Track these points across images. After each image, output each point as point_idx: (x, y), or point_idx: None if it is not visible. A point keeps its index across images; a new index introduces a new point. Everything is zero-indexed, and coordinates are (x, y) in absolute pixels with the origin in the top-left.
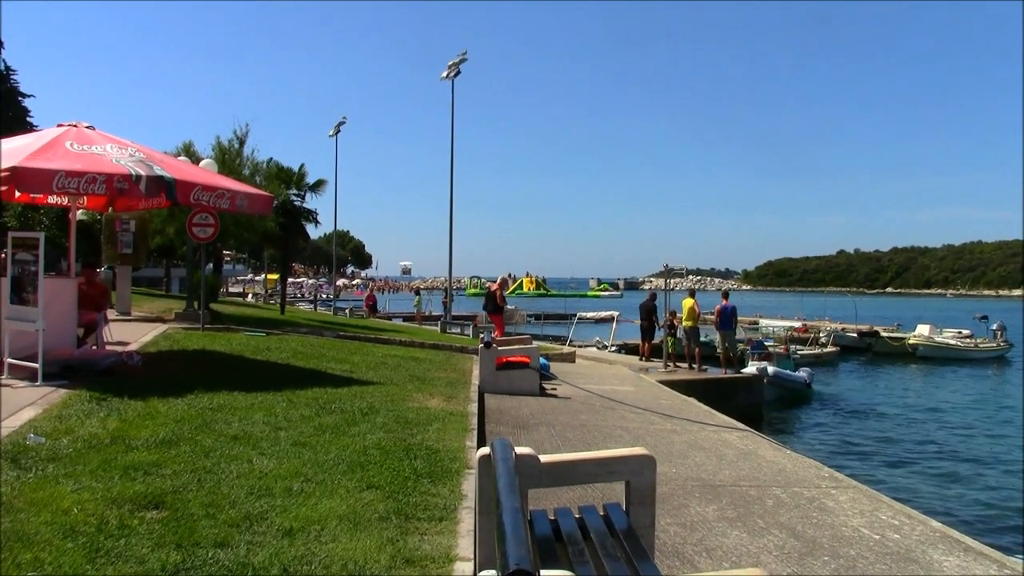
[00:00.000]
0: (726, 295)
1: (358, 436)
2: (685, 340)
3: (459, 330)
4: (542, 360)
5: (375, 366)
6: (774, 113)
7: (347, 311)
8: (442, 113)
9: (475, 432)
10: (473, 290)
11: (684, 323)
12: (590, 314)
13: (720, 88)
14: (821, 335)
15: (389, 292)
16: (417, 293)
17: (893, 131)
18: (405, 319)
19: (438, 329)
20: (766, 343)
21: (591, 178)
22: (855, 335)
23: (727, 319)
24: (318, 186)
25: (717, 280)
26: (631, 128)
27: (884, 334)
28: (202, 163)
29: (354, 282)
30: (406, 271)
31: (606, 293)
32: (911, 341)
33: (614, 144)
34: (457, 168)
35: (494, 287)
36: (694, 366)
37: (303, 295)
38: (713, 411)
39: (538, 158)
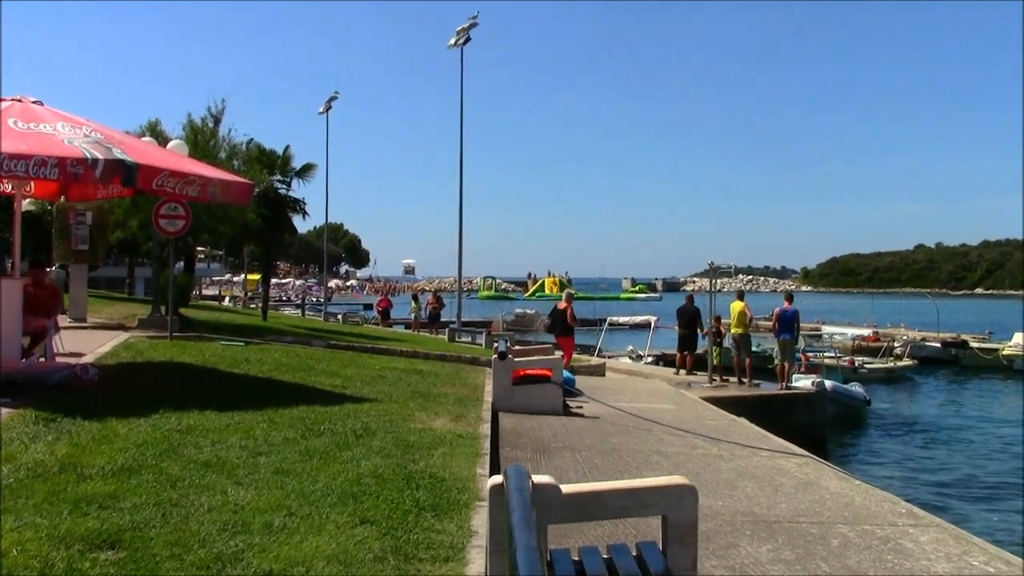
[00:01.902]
0: (790, 297)
1: (351, 462)
2: (734, 350)
3: (470, 339)
4: (566, 373)
5: (372, 380)
6: (834, 79)
7: (340, 317)
8: (450, 89)
9: (487, 457)
10: (486, 292)
11: (732, 330)
12: (623, 319)
13: (772, 56)
14: (895, 345)
15: (391, 294)
16: (415, 298)
17: (973, 99)
18: (408, 326)
19: (445, 337)
20: (827, 353)
21: (621, 165)
22: (937, 345)
23: (788, 324)
24: (306, 171)
25: (772, 280)
26: (665, 107)
27: (973, 344)
28: (170, 145)
29: (349, 283)
30: (409, 270)
31: (642, 295)
32: (1006, 352)
33: (645, 126)
34: (468, 153)
35: (562, 304)
36: (744, 380)
37: (289, 298)
38: (767, 433)
39: (560, 142)
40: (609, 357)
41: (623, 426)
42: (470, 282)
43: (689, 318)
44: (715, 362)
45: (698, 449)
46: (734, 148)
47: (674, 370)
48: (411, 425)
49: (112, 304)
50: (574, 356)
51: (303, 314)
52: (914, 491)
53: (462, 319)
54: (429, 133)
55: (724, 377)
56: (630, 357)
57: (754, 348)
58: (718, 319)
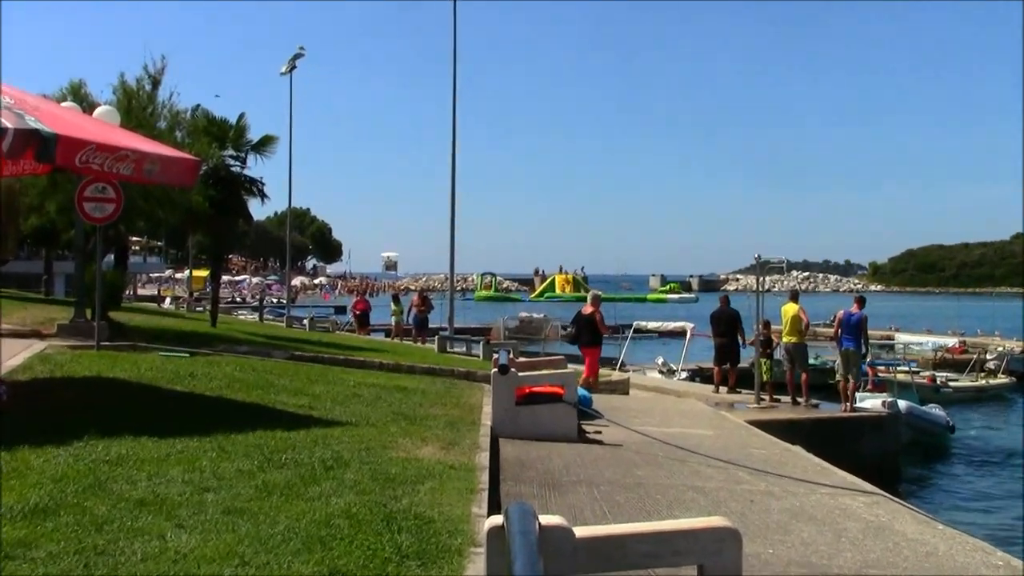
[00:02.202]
0: (861, 301)
1: (319, 500)
2: (786, 362)
3: (465, 349)
4: (581, 391)
5: (345, 400)
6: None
7: (306, 322)
8: (442, 48)
9: (485, 493)
10: (485, 292)
11: (784, 338)
12: (651, 325)
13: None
14: (987, 358)
15: (368, 295)
16: (396, 299)
17: None
18: (388, 334)
19: (435, 347)
20: (900, 368)
21: (646, 139)
22: None
23: (853, 331)
24: (265, 145)
25: (833, 278)
26: (701, 69)
27: None
28: (97, 112)
29: (317, 281)
30: (390, 266)
31: (675, 296)
32: None
33: (675, 92)
34: (463, 127)
35: (588, 308)
36: (799, 400)
37: (244, 299)
38: (827, 465)
39: (571, 112)
40: (634, 371)
41: (651, 455)
42: (464, 280)
43: (727, 324)
44: (763, 377)
45: (743, 484)
46: (788, 118)
47: (713, 387)
48: (392, 454)
49: (25, 307)
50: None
51: (261, 319)
52: (1011, 538)
53: (455, 325)
54: (415, 102)
55: (774, 396)
56: (660, 371)
57: (811, 360)
58: (767, 325)
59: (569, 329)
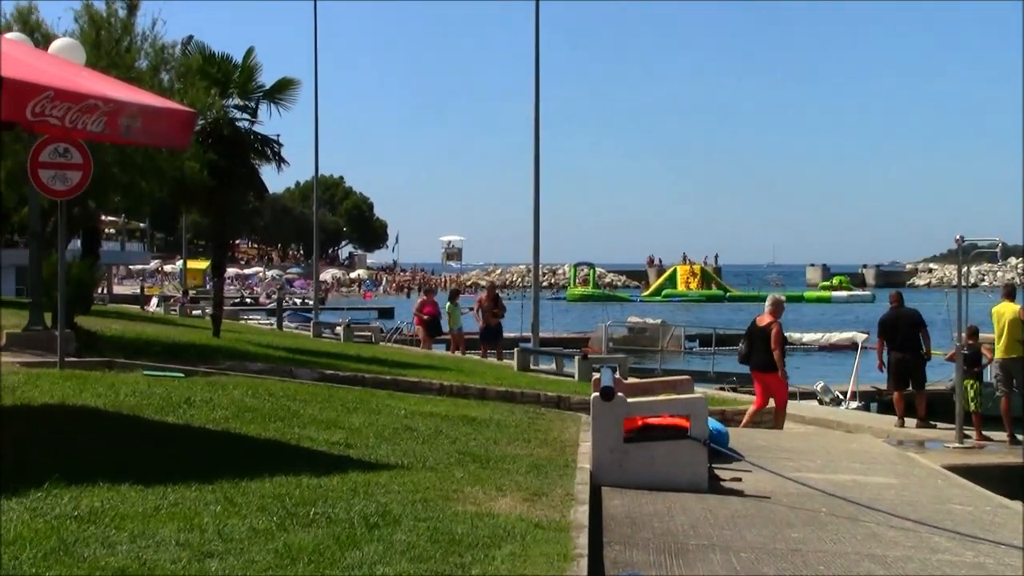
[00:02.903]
0: None
1: (359, 570)
2: (1001, 386)
3: (553, 365)
4: (713, 424)
5: (393, 435)
6: None
7: (339, 329)
8: None
9: (583, 561)
10: (581, 289)
11: (999, 353)
12: (808, 337)
13: None
14: None
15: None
16: (454, 298)
17: None
18: (449, 345)
19: (513, 364)
20: None
21: (798, 84)
22: None
23: None
24: (282, 91)
25: None
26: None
27: None
28: (55, 46)
29: (354, 274)
30: (452, 254)
31: (842, 293)
32: None
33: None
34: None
35: (765, 317)
36: (1019, 438)
37: (257, 299)
38: None
39: (679, 56)
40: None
41: (810, 512)
42: (553, 273)
43: (905, 331)
44: (970, 407)
45: (940, 553)
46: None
47: (896, 419)
48: (458, 508)
49: None
50: (720, 394)
51: (280, 325)
52: None
53: (540, 333)
54: (483, 39)
55: (983, 432)
56: (821, 399)
57: None
58: (973, 333)
59: (741, 345)
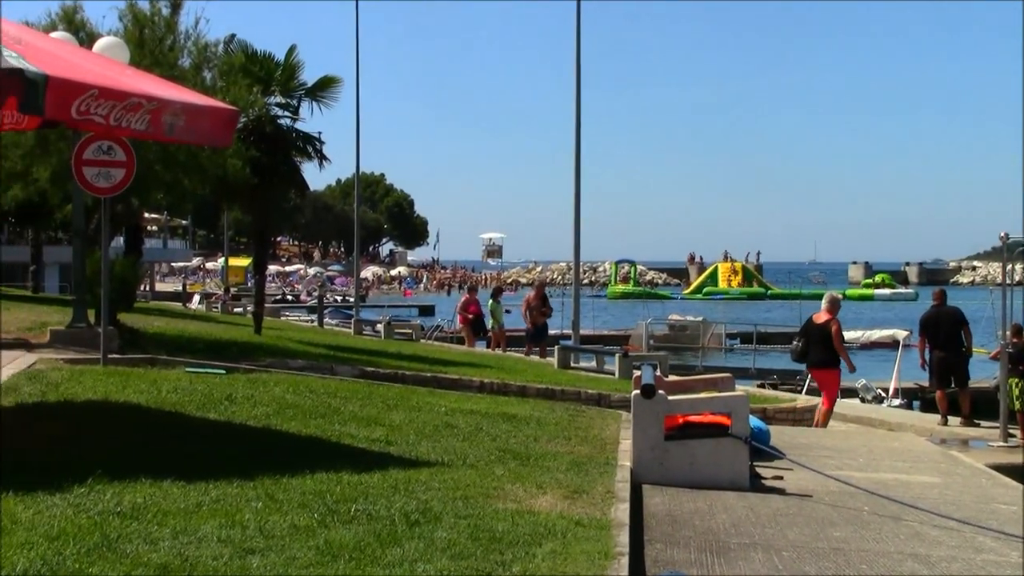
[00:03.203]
0: None
1: (400, 567)
2: None
3: (594, 362)
4: (755, 422)
5: (434, 432)
6: None
7: (380, 326)
8: None
9: (624, 560)
10: (621, 287)
11: None
12: (849, 335)
13: None
14: None
15: (460, 289)
16: (496, 296)
17: None
18: (490, 343)
19: (554, 361)
20: None
21: (831, 82)
22: None
23: None
24: (324, 89)
25: None
26: None
27: None
28: (99, 45)
29: (395, 271)
30: (493, 252)
31: (884, 291)
32: None
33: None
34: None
35: (822, 315)
36: None
37: (298, 297)
38: None
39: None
40: None
41: (852, 511)
42: (593, 270)
43: (947, 329)
44: (1014, 405)
45: (984, 553)
46: None
47: (939, 418)
48: (499, 505)
49: (7, 307)
50: (761, 392)
51: (320, 322)
52: None
53: (580, 331)
54: (523, 41)
55: None
56: (862, 396)
57: None
58: (1018, 331)
59: (796, 343)
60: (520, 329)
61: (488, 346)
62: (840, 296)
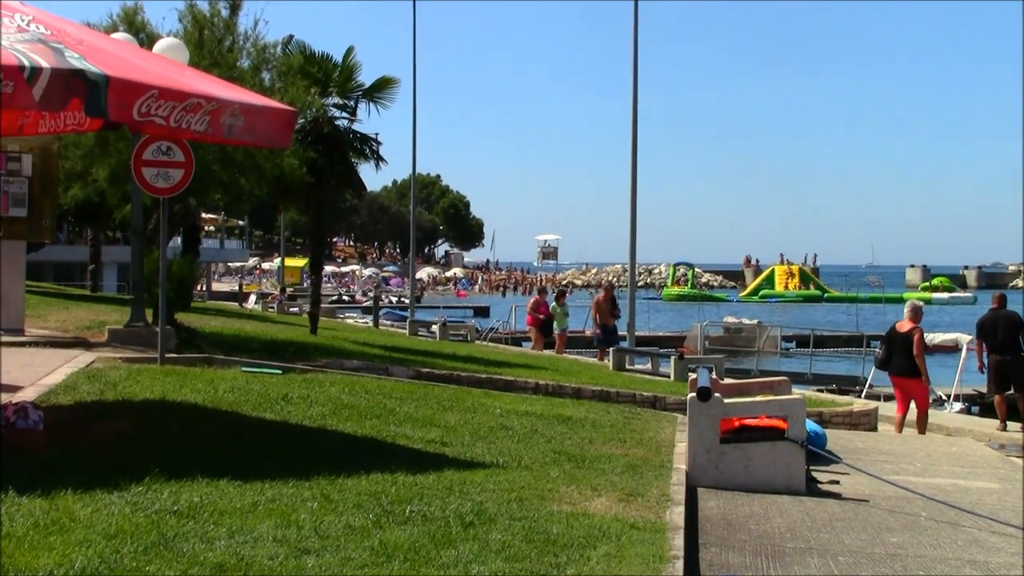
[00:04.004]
0: None
1: (455, 567)
2: None
3: (650, 365)
4: (811, 426)
5: (489, 433)
6: None
7: (436, 328)
8: None
9: (679, 563)
10: (677, 289)
11: None
12: None
13: None
14: None
15: (515, 291)
16: (559, 299)
17: None
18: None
19: (609, 363)
20: None
21: (889, 83)
22: None
23: None
24: (381, 90)
25: None
26: None
27: None
28: (159, 46)
29: (450, 273)
30: (548, 253)
31: (943, 295)
32: None
33: None
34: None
35: (905, 323)
36: None
37: (354, 297)
38: None
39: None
40: (885, 399)
41: (910, 516)
42: (649, 272)
43: (1004, 333)
44: None
45: None
46: None
47: (998, 423)
48: (553, 507)
49: (66, 306)
50: (818, 395)
51: (376, 323)
52: None
53: (636, 333)
54: (580, 42)
55: None
56: None
57: None
58: None
59: (878, 351)
60: (579, 331)
61: (554, 348)
62: (922, 304)
